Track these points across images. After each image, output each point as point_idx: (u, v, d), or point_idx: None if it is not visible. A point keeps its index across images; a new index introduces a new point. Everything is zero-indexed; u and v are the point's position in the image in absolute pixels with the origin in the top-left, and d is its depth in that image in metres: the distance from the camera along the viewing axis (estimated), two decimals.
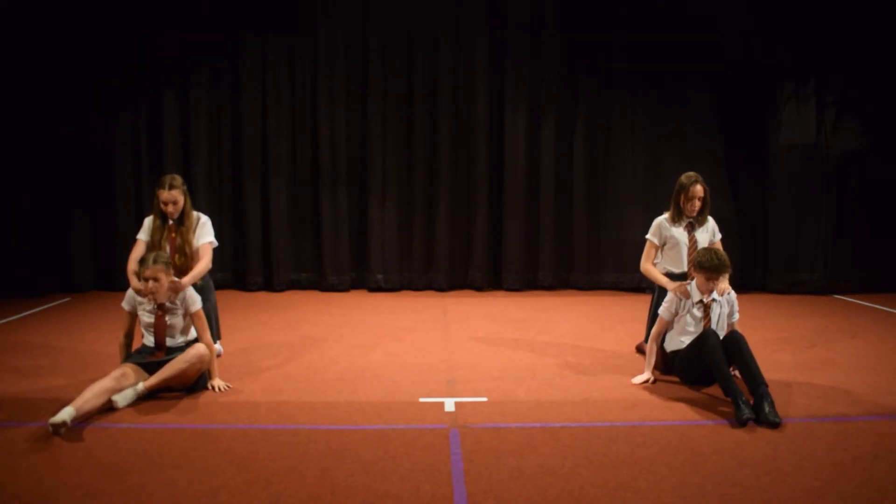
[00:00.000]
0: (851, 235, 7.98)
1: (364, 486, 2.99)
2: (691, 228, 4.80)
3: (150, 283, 4.08)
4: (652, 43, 8.00)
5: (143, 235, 4.70)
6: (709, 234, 4.83)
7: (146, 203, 7.51)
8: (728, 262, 4.30)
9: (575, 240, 8.25)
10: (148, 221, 4.75)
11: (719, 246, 4.80)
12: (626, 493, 2.93)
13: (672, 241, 4.80)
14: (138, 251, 4.60)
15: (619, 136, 8.16)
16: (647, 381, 4.41)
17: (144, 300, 4.19)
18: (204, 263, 4.65)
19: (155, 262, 4.09)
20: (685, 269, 4.75)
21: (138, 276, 4.17)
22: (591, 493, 2.93)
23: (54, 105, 7.72)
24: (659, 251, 4.87)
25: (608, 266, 8.23)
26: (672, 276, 4.74)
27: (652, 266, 4.84)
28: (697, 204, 4.75)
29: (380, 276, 8.17)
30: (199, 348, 4.13)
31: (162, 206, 4.64)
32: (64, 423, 3.49)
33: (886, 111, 7.92)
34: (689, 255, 4.75)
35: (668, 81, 8.04)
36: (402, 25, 8.05)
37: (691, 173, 4.79)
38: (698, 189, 4.73)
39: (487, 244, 8.24)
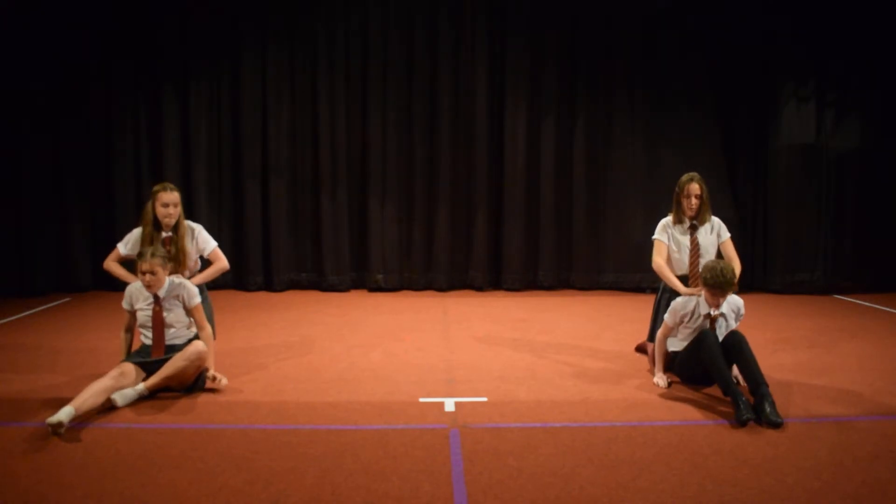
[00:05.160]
0: (851, 235, 7.98)
1: (364, 486, 2.99)
2: (693, 230, 4.79)
3: (147, 276, 4.12)
4: (652, 43, 8.01)
5: (122, 248, 4.57)
6: (714, 234, 4.80)
7: (146, 203, 7.55)
8: (733, 279, 4.19)
9: (575, 240, 8.24)
10: (137, 232, 4.58)
11: (729, 245, 4.78)
12: (626, 493, 2.93)
13: (675, 243, 4.79)
14: (112, 258, 4.58)
15: (619, 135, 8.16)
16: (666, 386, 4.35)
17: (142, 295, 4.20)
18: (222, 263, 4.73)
19: (153, 256, 4.14)
20: (686, 271, 4.74)
21: (136, 270, 4.20)
22: (591, 493, 2.93)
23: (54, 105, 7.72)
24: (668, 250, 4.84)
25: (608, 266, 8.23)
26: None
27: (665, 264, 4.78)
28: (695, 202, 4.74)
29: (380, 276, 8.17)
30: (198, 346, 4.13)
31: (161, 208, 4.47)
32: (61, 423, 3.48)
33: (886, 111, 7.92)
34: (692, 257, 4.73)
35: (669, 81, 8.04)
36: (402, 25, 8.05)
37: (690, 173, 4.81)
38: (695, 187, 4.73)
39: (487, 244, 8.24)
